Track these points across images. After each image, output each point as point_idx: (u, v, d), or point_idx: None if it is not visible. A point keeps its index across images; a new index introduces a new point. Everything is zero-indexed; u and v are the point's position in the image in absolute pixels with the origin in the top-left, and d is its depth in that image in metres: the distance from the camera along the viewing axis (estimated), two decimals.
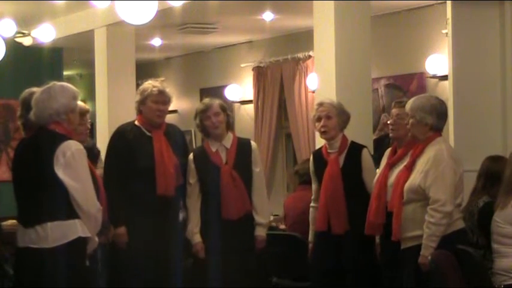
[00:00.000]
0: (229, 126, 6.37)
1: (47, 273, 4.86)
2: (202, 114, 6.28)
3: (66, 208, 4.90)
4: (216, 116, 6.24)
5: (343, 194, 6.16)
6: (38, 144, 5.01)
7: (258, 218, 6.29)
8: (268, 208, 6.59)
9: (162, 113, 6.18)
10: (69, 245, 4.87)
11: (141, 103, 6.17)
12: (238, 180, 6.21)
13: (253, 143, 6.46)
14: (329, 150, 6.31)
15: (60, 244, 4.86)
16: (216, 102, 6.34)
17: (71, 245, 4.88)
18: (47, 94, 5.04)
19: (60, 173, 4.88)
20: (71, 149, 4.92)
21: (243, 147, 6.34)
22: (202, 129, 6.33)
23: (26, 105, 5.27)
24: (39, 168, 4.93)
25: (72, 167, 4.91)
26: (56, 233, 4.87)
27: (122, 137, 6.19)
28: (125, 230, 6.02)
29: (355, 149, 6.26)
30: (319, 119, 6.28)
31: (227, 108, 6.39)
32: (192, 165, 6.27)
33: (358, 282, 6.12)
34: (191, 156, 6.33)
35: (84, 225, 4.94)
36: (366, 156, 6.25)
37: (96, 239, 5.12)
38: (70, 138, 4.99)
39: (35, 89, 5.25)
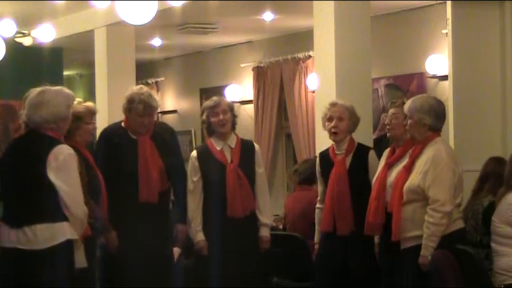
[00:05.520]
0: (234, 126, 6.35)
1: (36, 274, 4.86)
2: (210, 110, 6.23)
3: (56, 211, 4.90)
4: (224, 114, 6.21)
5: (349, 195, 6.14)
6: (30, 147, 5.01)
7: (263, 219, 6.28)
8: (270, 209, 6.60)
9: (148, 124, 6.12)
10: (58, 247, 4.87)
11: (127, 111, 6.11)
12: (244, 179, 6.20)
13: (256, 145, 6.46)
14: (336, 152, 6.28)
15: (49, 246, 4.87)
16: (225, 100, 6.35)
17: (60, 247, 4.88)
18: (39, 99, 5.02)
19: (52, 176, 4.89)
20: (64, 153, 4.94)
21: (246, 147, 6.33)
22: (208, 125, 6.29)
23: None
24: (31, 170, 4.94)
25: (64, 171, 4.92)
26: (44, 235, 4.87)
27: (107, 139, 6.17)
28: (115, 235, 6.00)
29: (361, 151, 6.26)
30: (330, 119, 6.25)
31: (234, 109, 6.38)
32: (195, 163, 6.24)
33: (362, 282, 6.10)
34: (194, 153, 6.30)
35: (71, 227, 4.94)
36: (373, 158, 6.24)
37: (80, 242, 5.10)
38: (62, 142, 5.00)
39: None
